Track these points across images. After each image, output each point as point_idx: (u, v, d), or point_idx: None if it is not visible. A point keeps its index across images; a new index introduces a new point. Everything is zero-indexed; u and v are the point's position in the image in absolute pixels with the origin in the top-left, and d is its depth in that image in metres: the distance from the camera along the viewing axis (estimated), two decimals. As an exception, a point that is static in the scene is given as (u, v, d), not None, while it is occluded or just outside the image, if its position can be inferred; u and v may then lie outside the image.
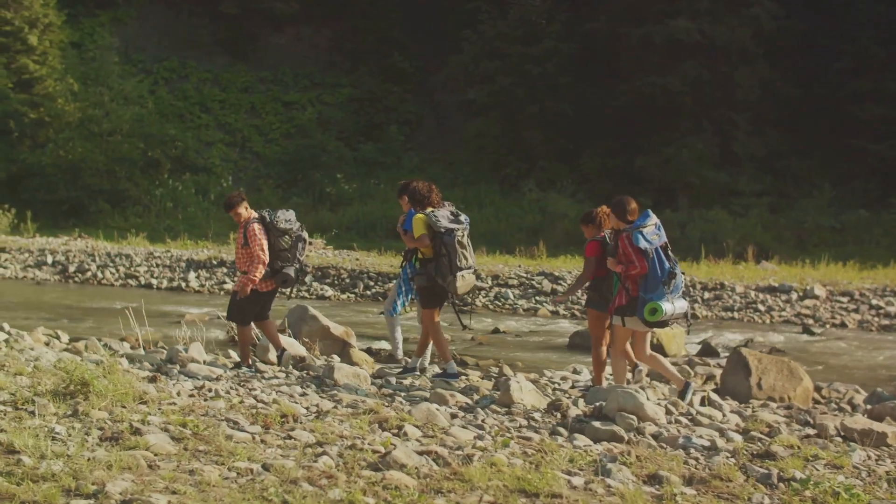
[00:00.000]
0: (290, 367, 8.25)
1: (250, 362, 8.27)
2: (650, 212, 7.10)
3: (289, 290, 8.65)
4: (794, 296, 16.36)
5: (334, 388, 7.00)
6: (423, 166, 33.74)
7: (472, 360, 10.76)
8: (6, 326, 10.11)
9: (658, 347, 11.91)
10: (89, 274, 20.50)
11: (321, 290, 18.50)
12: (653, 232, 6.88)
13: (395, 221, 9.52)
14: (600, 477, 4.36)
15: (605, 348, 7.58)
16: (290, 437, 4.82)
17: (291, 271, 8.16)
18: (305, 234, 8.41)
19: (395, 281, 10.77)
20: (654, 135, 30.74)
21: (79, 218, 29.40)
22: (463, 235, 7.55)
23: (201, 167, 32.99)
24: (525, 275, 18.35)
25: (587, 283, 7.59)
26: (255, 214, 8.22)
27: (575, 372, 9.36)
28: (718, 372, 9.77)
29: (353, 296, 18.19)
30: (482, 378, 8.88)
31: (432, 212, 7.58)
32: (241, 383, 6.99)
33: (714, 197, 28.85)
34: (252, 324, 8.33)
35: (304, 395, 6.62)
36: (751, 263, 20.79)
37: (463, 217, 7.93)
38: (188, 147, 33.02)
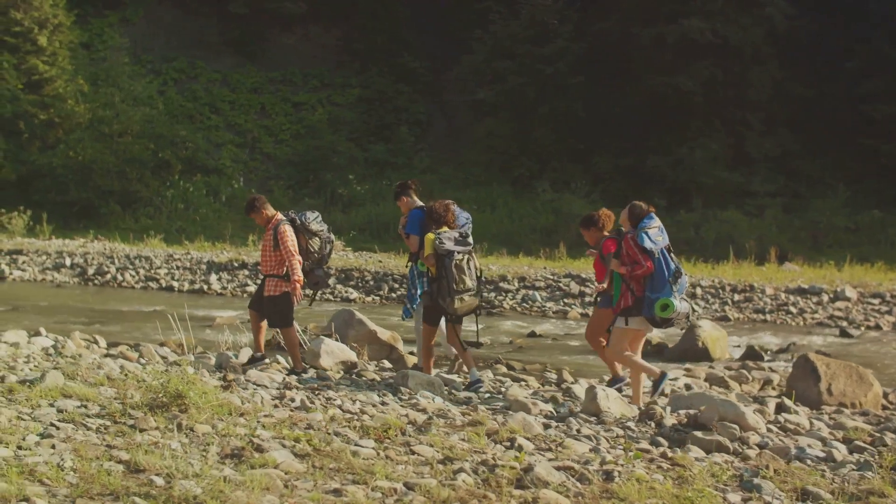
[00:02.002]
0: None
1: (304, 366, 8.18)
2: (654, 214, 7.29)
3: (318, 292, 8.69)
4: (825, 297, 16.29)
5: (412, 396, 6.86)
6: (434, 167, 33.58)
7: (518, 364, 10.63)
8: (43, 331, 9.93)
9: (703, 351, 11.82)
10: (108, 276, 20.30)
11: (345, 292, 18.37)
12: (657, 233, 7.07)
13: (407, 223, 9.46)
14: (756, 493, 4.24)
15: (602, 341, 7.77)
16: (412, 453, 4.67)
17: (321, 272, 8.20)
18: (333, 236, 8.42)
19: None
20: (666, 135, 30.71)
21: (90, 219, 29.18)
22: (463, 259, 7.46)
23: (212, 168, 32.77)
24: (551, 277, 18.24)
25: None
26: (281, 216, 8.17)
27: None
28: (774, 376, 9.68)
29: (378, 298, 18.06)
30: (542, 384, 8.76)
31: (440, 233, 7.52)
32: (315, 392, 6.85)
33: (727, 197, 28.79)
34: (294, 324, 8.24)
35: (384, 403, 6.48)
36: (773, 265, 20.72)
37: (466, 217, 7.98)
38: (198, 148, 32.79)
